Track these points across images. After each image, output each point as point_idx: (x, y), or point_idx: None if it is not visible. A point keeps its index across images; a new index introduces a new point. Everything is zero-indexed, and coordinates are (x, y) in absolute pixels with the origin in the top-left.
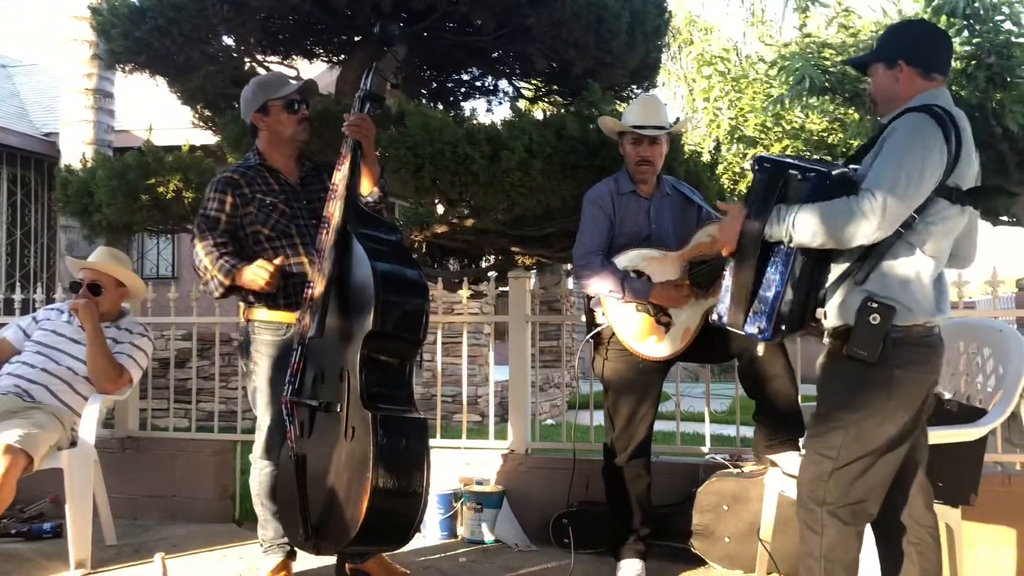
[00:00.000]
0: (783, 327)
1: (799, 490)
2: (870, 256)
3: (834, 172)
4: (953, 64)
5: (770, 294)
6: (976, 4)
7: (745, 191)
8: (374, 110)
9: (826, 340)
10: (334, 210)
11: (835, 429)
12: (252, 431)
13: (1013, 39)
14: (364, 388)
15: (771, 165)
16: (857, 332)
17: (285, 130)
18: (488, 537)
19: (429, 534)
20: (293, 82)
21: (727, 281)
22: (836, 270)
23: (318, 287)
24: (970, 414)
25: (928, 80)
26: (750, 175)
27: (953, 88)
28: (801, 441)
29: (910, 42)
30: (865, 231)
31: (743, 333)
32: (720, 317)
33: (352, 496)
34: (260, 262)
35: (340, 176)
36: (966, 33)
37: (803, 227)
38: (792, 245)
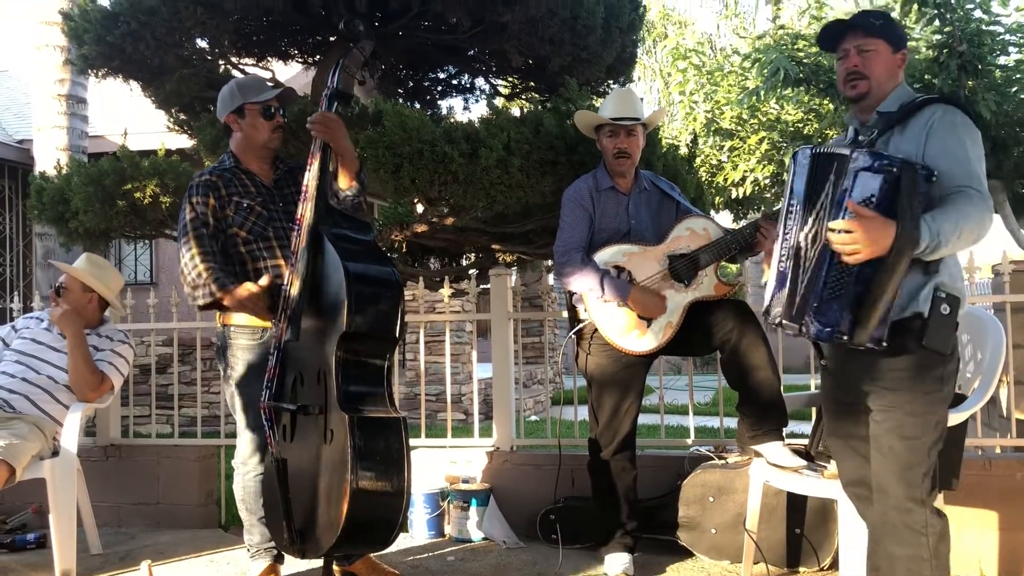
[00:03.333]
0: None
1: (886, 495)
2: None
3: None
4: (925, 52)
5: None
6: None
7: (805, 185)
8: (342, 107)
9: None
10: (305, 211)
11: (922, 426)
12: (235, 436)
13: (984, 27)
14: (341, 390)
15: (891, 164)
16: (933, 324)
17: (259, 135)
18: (476, 535)
19: (417, 533)
20: (272, 88)
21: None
22: None
23: (293, 290)
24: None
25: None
26: (727, 167)
27: (926, 76)
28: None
29: (904, 36)
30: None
31: (869, 345)
32: (844, 336)
33: (333, 499)
34: (248, 286)
35: (310, 176)
36: (937, 22)
37: (950, 238)
38: (933, 256)
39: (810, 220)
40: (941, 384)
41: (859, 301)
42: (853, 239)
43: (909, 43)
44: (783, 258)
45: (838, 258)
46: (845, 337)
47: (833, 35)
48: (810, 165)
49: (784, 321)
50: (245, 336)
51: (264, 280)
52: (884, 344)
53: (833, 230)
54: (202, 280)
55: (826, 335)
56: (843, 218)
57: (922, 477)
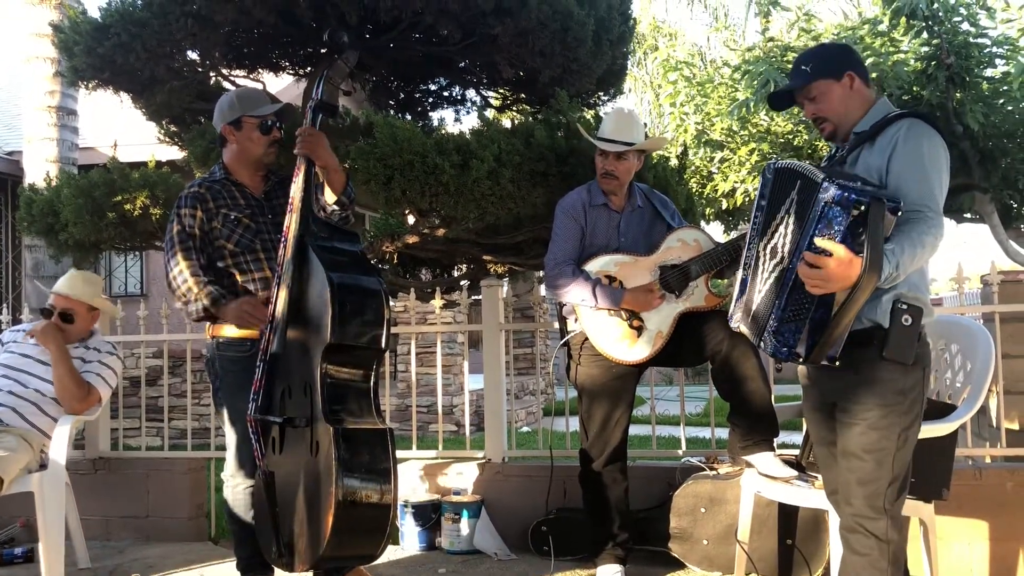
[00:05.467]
0: None
1: (849, 504)
2: None
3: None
4: (914, 64)
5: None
6: (935, 6)
7: (789, 212)
8: (328, 119)
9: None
10: (291, 223)
11: (885, 437)
12: (225, 448)
13: (971, 39)
14: (326, 401)
15: (862, 198)
16: (894, 335)
17: (254, 149)
18: (467, 547)
19: (408, 546)
20: (272, 103)
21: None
22: None
23: (279, 302)
24: (940, 410)
25: (871, 89)
26: (718, 178)
27: (914, 88)
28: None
29: (847, 56)
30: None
31: (823, 363)
32: (800, 357)
33: (319, 511)
34: (248, 300)
35: (296, 188)
36: (925, 34)
37: (907, 267)
38: (889, 285)
39: (768, 232)
40: (903, 396)
41: (818, 326)
42: (820, 275)
43: (897, 55)
44: (745, 266)
45: (799, 283)
46: (800, 359)
47: (781, 98)
48: (773, 180)
49: (742, 327)
50: (233, 349)
51: (262, 294)
52: (836, 362)
53: (805, 263)
54: (193, 295)
55: (783, 354)
56: (810, 250)
57: (885, 487)
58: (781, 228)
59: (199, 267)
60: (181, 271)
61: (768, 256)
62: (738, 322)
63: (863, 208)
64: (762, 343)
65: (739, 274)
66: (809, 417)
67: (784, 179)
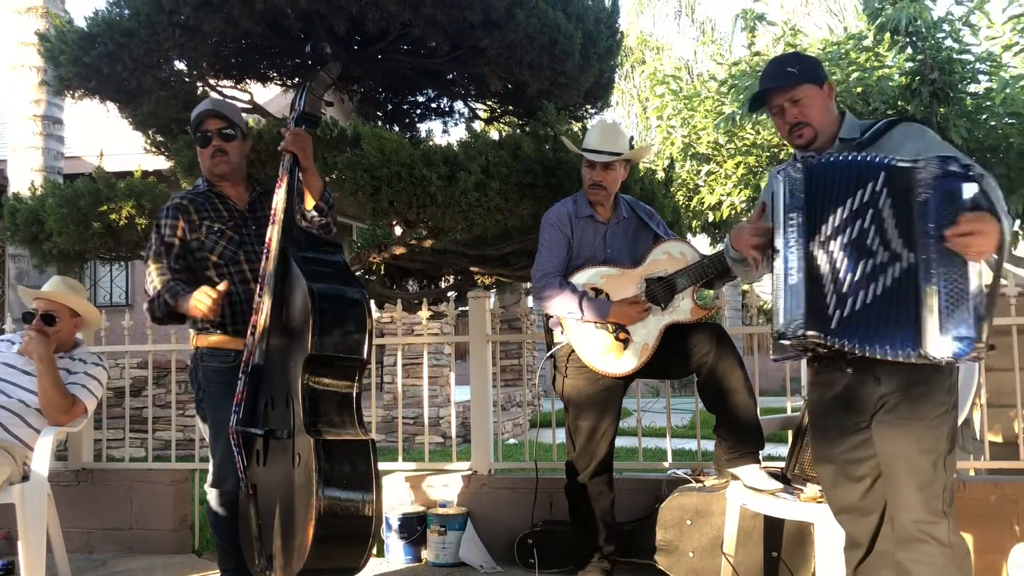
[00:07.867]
0: None
1: (908, 511)
2: None
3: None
4: (898, 79)
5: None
6: (918, 22)
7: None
8: (310, 130)
9: None
10: (273, 234)
11: (939, 439)
12: (209, 459)
13: (955, 55)
14: (307, 412)
15: (973, 172)
16: None
17: (203, 163)
18: (453, 560)
19: (393, 558)
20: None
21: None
22: None
23: (261, 313)
24: None
25: None
26: (704, 191)
27: (899, 103)
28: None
29: (822, 67)
30: None
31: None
32: (987, 346)
33: (300, 524)
34: (204, 288)
35: (278, 199)
36: (910, 50)
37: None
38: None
39: (819, 230)
40: (949, 395)
41: (980, 303)
42: (977, 239)
43: (882, 70)
44: (792, 271)
45: (946, 258)
46: (988, 347)
47: (759, 97)
48: (807, 178)
49: (810, 332)
50: (216, 359)
51: (222, 285)
52: (993, 346)
53: (957, 235)
54: (156, 293)
55: (963, 351)
56: (949, 225)
57: (941, 490)
58: (868, 221)
59: (167, 269)
60: (151, 277)
61: (858, 251)
62: (798, 328)
63: (983, 178)
64: (929, 354)
65: (784, 283)
66: (824, 436)
67: (843, 173)
